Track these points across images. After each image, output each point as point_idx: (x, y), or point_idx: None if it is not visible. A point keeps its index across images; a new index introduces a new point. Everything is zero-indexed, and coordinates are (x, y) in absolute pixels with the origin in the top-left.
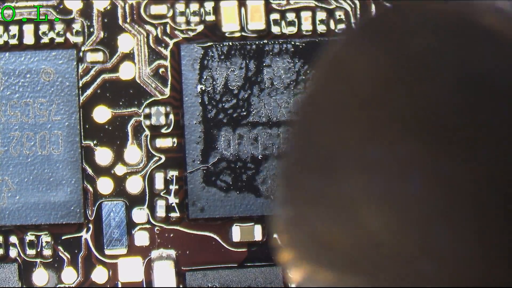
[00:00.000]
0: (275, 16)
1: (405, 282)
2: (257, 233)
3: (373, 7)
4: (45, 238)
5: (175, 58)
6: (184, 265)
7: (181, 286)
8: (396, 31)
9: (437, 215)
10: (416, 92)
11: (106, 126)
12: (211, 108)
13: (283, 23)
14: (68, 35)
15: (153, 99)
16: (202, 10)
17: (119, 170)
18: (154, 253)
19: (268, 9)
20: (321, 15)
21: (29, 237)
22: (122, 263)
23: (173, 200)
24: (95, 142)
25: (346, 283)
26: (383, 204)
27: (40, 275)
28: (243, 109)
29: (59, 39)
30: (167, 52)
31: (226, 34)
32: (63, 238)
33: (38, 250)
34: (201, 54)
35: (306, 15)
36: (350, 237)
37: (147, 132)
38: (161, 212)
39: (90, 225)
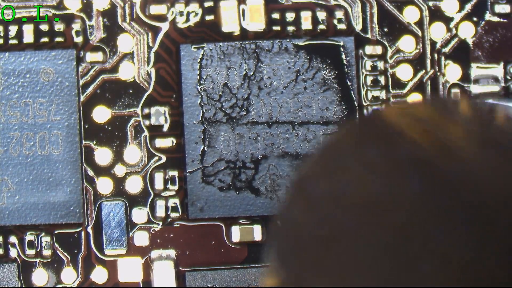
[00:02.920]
0: (275, 15)
1: None
2: (257, 233)
3: (374, 7)
4: (45, 238)
5: (175, 58)
6: (183, 265)
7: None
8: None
9: None
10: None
11: (106, 126)
12: (210, 107)
13: (282, 22)
14: (68, 35)
15: (152, 98)
16: (202, 10)
17: (119, 170)
18: (154, 253)
19: (268, 9)
20: (321, 14)
21: (29, 237)
22: (122, 263)
23: (172, 200)
24: (94, 142)
25: None
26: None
27: (39, 275)
28: (243, 109)
29: (59, 39)
30: (166, 52)
31: (226, 34)
32: (62, 238)
33: (38, 250)
34: (201, 54)
35: (306, 15)
36: None
37: (146, 132)
38: (160, 212)
39: (90, 225)
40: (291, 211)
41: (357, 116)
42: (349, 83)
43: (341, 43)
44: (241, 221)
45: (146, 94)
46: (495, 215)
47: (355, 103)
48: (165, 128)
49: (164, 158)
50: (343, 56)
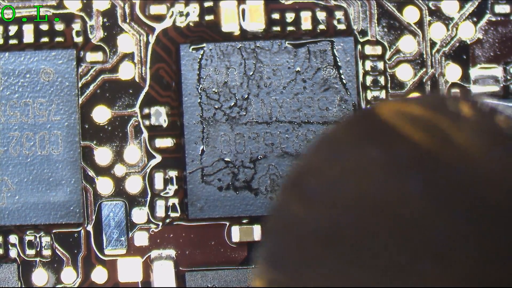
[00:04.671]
0: (274, 15)
1: None
2: (257, 233)
3: (374, 7)
4: (45, 238)
5: (174, 58)
6: (183, 265)
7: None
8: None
9: None
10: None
11: (106, 126)
12: (210, 107)
13: (282, 22)
14: (68, 35)
15: (152, 98)
16: (201, 10)
17: (119, 170)
18: (154, 253)
19: (268, 9)
20: (321, 14)
21: (29, 237)
22: (122, 263)
23: (172, 200)
24: (94, 142)
25: None
26: None
27: (39, 275)
28: (242, 109)
29: (59, 39)
30: (166, 52)
31: (226, 34)
32: (62, 238)
33: (38, 250)
34: (200, 54)
35: (306, 15)
36: None
37: (146, 132)
38: (160, 212)
39: (90, 225)
40: (286, 208)
41: (352, 113)
42: (348, 83)
43: (341, 43)
44: (241, 221)
45: (143, 92)
46: (505, 213)
47: (355, 103)
48: (165, 128)
49: (163, 158)
50: (343, 56)
